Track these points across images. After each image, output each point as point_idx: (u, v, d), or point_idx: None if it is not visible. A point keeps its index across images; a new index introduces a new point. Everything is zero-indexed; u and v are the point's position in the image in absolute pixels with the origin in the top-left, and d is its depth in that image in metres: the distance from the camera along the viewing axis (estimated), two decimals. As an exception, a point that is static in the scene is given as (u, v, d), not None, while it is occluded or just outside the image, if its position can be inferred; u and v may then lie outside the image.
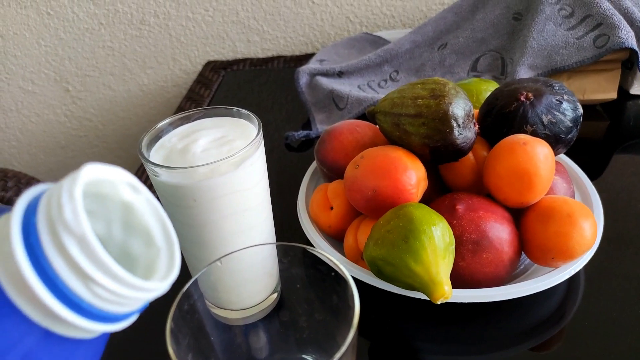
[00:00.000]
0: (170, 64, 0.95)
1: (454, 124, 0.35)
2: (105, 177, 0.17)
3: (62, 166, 1.09)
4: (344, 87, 0.64)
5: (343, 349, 0.20)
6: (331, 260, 0.26)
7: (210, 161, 0.29)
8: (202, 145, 0.31)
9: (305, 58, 0.88)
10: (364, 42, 0.78)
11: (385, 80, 0.66)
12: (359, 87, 0.65)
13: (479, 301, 0.33)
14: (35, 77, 0.98)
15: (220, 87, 0.82)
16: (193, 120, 0.34)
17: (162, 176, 0.29)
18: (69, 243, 0.15)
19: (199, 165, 0.29)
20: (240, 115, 0.34)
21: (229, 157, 0.29)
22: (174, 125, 0.33)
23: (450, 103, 0.35)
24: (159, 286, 0.17)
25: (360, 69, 0.66)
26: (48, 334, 0.15)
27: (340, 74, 0.67)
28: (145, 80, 0.97)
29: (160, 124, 0.33)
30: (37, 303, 0.15)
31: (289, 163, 0.59)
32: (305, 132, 0.61)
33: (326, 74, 0.67)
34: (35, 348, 0.15)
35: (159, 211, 0.19)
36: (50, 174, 1.10)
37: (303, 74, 0.67)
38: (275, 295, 0.35)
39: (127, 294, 0.16)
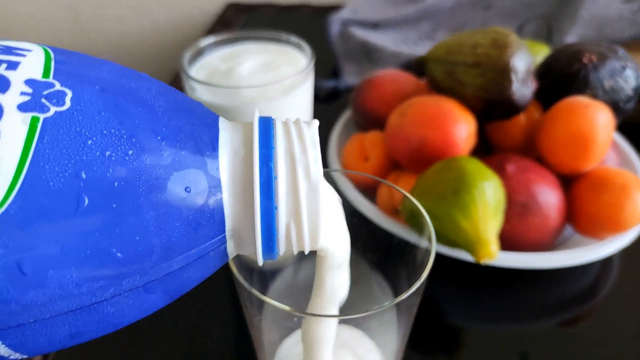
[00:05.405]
0: (189, 1, 0.90)
1: (514, 78, 0.32)
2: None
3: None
4: (379, 39, 0.61)
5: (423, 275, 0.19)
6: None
7: (257, 84, 0.27)
8: (247, 68, 0.29)
9: (333, 9, 0.83)
10: (398, -3, 0.74)
11: (422, 39, 0.63)
12: (393, 41, 0.62)
13: (525, 267, 0.31)
14: (45, 1, 0.92)
15: (242, 30, 0.78)
16: (236, 43, 0.31)
17: (204, 95, 0.27)
18: (302, 186, 0.15)
19: (246, 87, 0.26)
20: (288, 43, 0.31)
21: (278, 81, 0.27)
22: (217, 45, 0.31)
23: (513, 55, 0.32)
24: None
25: (397, 22, 0.63)
26: (222, 244, 0.15)
27: (375, 26, 0.63)
28: (160, 17, 0.93)
29: (204, 43, 0.30)
30: (244, 224, 0.14)
31: (314, 113, 0.56)
32: (333, 83, 0.58)
33: (360, 24, 0.63)
34: (209, 254, 0.15)
35: None
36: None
37: (335, 23, 0.63)
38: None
39: (307, 243, 0.15)
